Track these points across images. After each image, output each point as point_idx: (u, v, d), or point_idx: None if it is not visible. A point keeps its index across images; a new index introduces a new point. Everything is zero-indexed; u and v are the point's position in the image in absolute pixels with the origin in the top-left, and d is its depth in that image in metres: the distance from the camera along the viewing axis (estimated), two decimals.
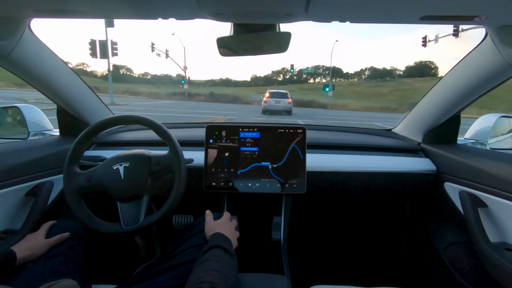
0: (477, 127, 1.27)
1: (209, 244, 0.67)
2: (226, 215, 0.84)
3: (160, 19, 0.66)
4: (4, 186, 0.82)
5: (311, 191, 0.99)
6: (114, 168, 0.82)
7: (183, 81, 29.15)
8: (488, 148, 1.20)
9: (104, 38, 15.01)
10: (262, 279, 0.75)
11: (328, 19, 0.65)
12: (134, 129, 1.34)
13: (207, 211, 0.83)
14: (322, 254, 1.42)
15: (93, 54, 14.57)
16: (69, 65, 1.01)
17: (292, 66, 23.76)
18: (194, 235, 0.78)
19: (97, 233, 0.81)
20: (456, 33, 14.25)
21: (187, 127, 1.42)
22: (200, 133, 1.06)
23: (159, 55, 23.14)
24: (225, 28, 0.76)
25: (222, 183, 1.00)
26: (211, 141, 1.01)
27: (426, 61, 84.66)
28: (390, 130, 1.39)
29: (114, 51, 15.24)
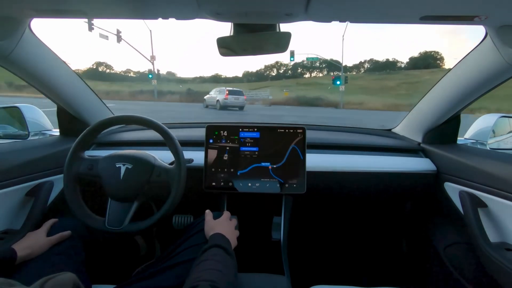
0: (477, 127, 1.27)
1: (208, 243, 0.67)
2: (226, 214, 0.84)
3: (160, 19, 0.66)
4: (4, 186, 0.82)
5: (311, 191, 0.99)
6: (117, 166, 0.82)
7: (150, 76, 23.50)
8: (488, 148, 1.20)
9: None
10: (262, 279, 0.76)
11: (328, 19, 0.65)
12: (134, 129, 1.34)
13: (207, 211, 0.83)
14: (322, 254, 1.42)
15: None
16: None
17: (292, 53, 18.32)
18: (194, 235, 0.78)
19: (98, 233, 0.81)
20: None
21: (187, 127, 1.43)
22: (200, 133, 1.06)
23: (106, 37, 16.14)
24: (225, 28, 0.77)
25: (222, 183, 1.00)
26: (211, 141, 1.01)
27: (431, 51, 79.40)
28: (390, 130, 1.39)
29: None
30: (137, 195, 0.83)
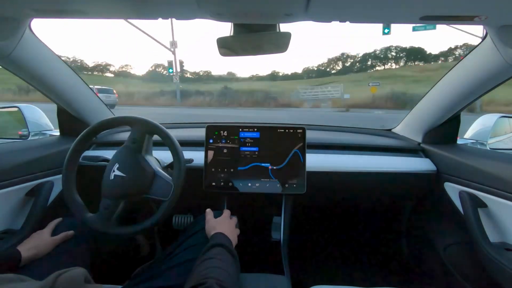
0: (477, 127, 1.28)
1: (211, 242, 0.67)
2: (226, 212, 0.84)
3: (160, 19, 0.66)
4: (4, 186, 0.82)
5: (311, 191, 0.99)
6: (112, 177, 0.81)
7: (170, 70, 17.83)
8: (488, 148, 1.20)
9: None
10: (262, 279, 0.76)
11: (328, 19, 0.65)
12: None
13: (208, 210, 0.83)
14: (322, 254, 1.42)
15: None
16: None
17: (387, 25, 11.22)
18: (194, 235, 0.78)
19: (100, 232, 0.81)
20: None
21: (187, 127, 1.43)
22: (200, 133, 1.06)
23: None
24: (225, 28, 0.74)
25: (222, 183, 1.00)
26: (211, 141, 1.01)
27: None
28: (390, 130, 1.39)
29: None
30: (150, 167, 0.83)
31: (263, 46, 0.82)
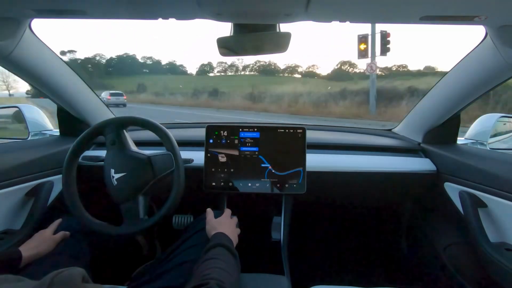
0: (477, 127, 1.27)
1: (212, 242, 0.67)
2: (227, 212, 0.84)
3: (160, 19, 0.66)
4: (4, 186, 0.82)
5: (311, 191, 0.99)
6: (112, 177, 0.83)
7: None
8: (488, 148, 1.20)
9: None
10: (262, 279, 0.76)
11: (328, 19, 0.65)
12: (134, 129, 1.34)
13: (208, 209, 0.83)
14: (322, 254, 1.42)
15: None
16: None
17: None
18: (194, 235, 0.78)
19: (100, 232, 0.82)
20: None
21: (187, 127, 1.43)
22: (200, 133, 1.06)
23: None
24: (225, 28, 0.73)
25: (222, 183, 1.00)
26: (211, 141, 1.01)
27: None
28: (390, 130, 1.39)
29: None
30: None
31: (263, 46, 0.82)
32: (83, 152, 0.89)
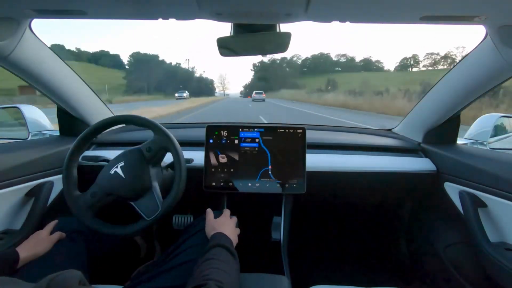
0: (477, 127, 1.27)
1: (211, 242, 0.67)
2: (226, 212, 0.84)
3: (160, 20, 0.66)
4: (4, 186, 0.82)
5: (311, 191, 0.99)
6: (112, 172, 0.81)
7: None
8: (488, 148, 1.20)
9: None
10: (262, 279, 0.76)
11: (328, 19, 0.65)
12: (134, 129, 1.34)
13: (208, 209, 0.83)
14: (322, 254, 1.42)
15: None
16: None
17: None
18: (194, 235, 0.78)
19: (99, 232, 0.81)
20: None
21: (187, 127, 1.43)
22: (200, 133, 1.06)
23: None
24: (225, 28, 0.73)
25: (222, 183, 1.00)
26: (211, 141, 1.01)
27: None
28: (390, 130, 1.39)
29: None
30: (149, 179, 0.82)
31: (263, 46, 0.82)
32: (83, 152, 0.89)
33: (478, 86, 0.89)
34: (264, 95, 28.06)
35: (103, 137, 1.19)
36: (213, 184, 1.00)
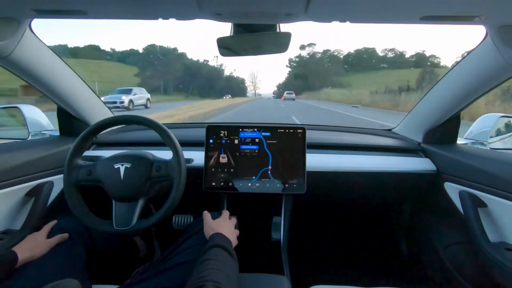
0: (477, 127, 1.27)
1: (209, 243, 0.67)
2: (225, 213, 0.84)
3: (160, 19, 0.66)
4: (4, 186, 0.82)
5: (311, 191, 0.99)
6: (116, 167, 0.81)
7: None
8: (488, 148, 1.20)
9: None
10: (262, 279, 0.76)
11: (328, 19, 0.65)
12: (134, 129, 1.34)
13: (205, 212, 0.82)
14: (322, 254, 1.42)
15: None
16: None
17: None
18: (193, 235, 0.78)
19: (97, 232, 0.81)
20: None
21: (187, 127, 1.43)
22: (200, 133, 1.06)
23: None
24: (225, 28, 0.73)
25: (222, 183, 1.00)
26: (211, 141, 1.01)
27: None
28: (390, 130, 1.39)
29: None
30: (140, 193, 0.82)
31: (263, 46, 0.82)
32: (83, 152, 0.89)
33: (478, 86, 0.89)
34: (294, 95, 32.31)
35: (103, 137, 1.19)
36: (213, 184, 1.00)
